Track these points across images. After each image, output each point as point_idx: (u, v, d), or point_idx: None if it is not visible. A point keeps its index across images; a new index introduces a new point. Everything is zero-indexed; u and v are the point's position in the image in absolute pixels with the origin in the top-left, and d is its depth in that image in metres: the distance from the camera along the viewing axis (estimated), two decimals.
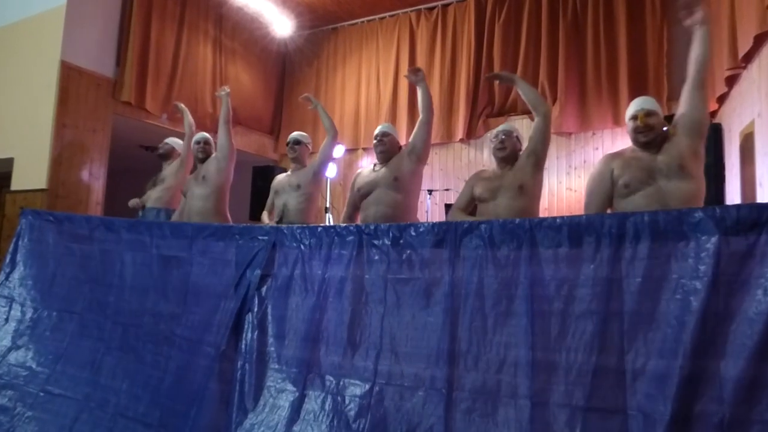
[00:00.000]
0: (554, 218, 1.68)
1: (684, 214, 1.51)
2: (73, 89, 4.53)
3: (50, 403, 2.35)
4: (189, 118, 3.71)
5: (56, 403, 2.34)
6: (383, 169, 2.70)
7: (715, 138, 3.27)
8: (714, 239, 1.44)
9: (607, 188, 2.09)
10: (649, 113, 2.08)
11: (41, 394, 2.39)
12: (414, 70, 2.76)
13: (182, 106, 3.85)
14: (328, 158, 3.15)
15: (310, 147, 3.29)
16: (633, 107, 2.15)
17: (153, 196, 3.63)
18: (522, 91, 2.50)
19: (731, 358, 1.37)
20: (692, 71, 2.04)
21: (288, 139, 3.24)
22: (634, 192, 2.01)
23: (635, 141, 2.11)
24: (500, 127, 2.55)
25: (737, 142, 3.36)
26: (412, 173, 2.68)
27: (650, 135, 2.05)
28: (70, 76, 4.50)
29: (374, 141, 2.76)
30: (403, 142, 6.43)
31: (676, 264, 1.49)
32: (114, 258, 2.55)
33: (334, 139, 3.14)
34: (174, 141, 3.85)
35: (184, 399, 2.09)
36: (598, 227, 1.60)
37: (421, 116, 2.71)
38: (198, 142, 3.40)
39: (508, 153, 2.45)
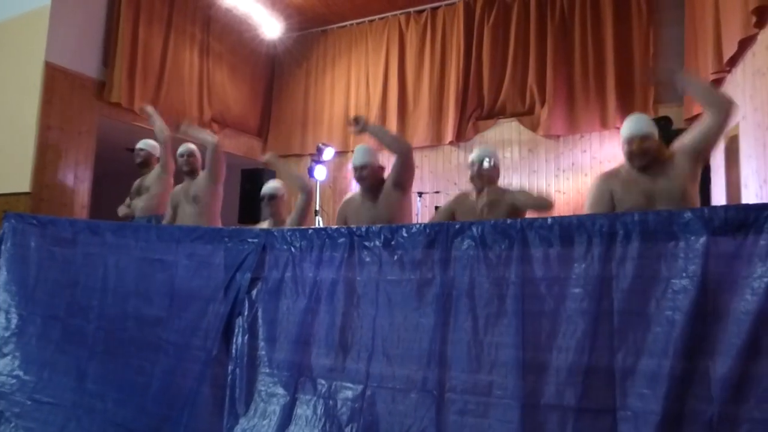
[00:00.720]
0: (545, 218, 1.68)
1: (673, 214, 1.53)
2: (58, 90, 4.46)
3: (38, 411, 2.31)
4: (158, 123, 3.52)
5: (44, 411, 2.30)
6: (374, 209, 2.55)
7: None
8: (703, 239, 1.45)
9: (609, 210, 2.07)
10: (644, 138, 2.03)
11: (29, 402, 2.36)
12: (353, 122, 2.56)
13: (150, 109, 3.64)
14: (304, 217, 2.95)
15: (285, 197, 3.11)
16: (627, 130, 2.08)
17: (139, 206, 3.54)
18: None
19: (720, 357, 1.38)
20: (713, 117, 1.92)
21: (262, 194, 3.01)
22: None
23: (630, 164, 2.09)
24: (476, 155, 2.49)
25: (722, 145, 3.41)
26: (402, 205, 2.56)
27: (645, 159, 2.04)
28: (54, 77, 4.43)
29: (354, 175, 2.59)
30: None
31: (665, 264, 1.50)
32: (98, 262, 2.51)
33: (310, 198, 2.99)
34: (148, 144, 3.64)
35: (174, 404, 2.06)
36: (589, 227, 1.60)
37: (394, 159, 2.52)
38: (182, 155, 3.28)
39: (484, 183, 2.44)
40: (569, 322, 1.57)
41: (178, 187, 3.36)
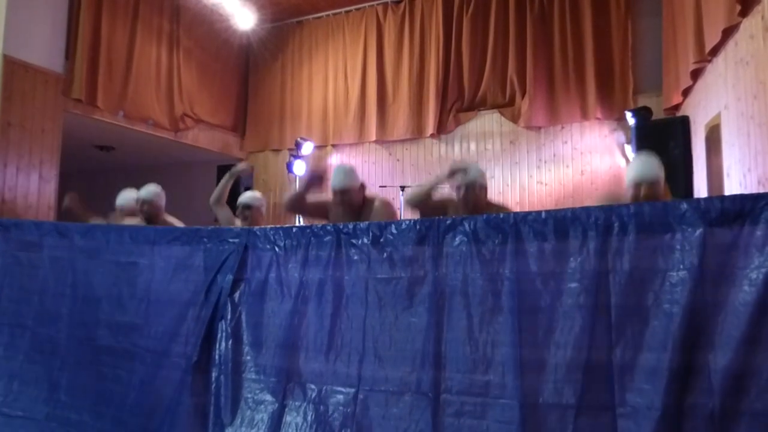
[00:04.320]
0: (539, 212, 1.65)
1: (669, 206, 1.50)
2: (19, 86, 4.21)
3: (8, 426, 2.21)
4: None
5: (15, 425, 2.20)
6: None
7: (683, 130, 3.35)
8: (699, 231, 1.43)
9: None
10: (653, 183, 1.99)
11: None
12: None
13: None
14: None
15: (263, 209, 2.96)
16: (634, 172, 2.03)
17: None
18: None
19: (719, 349, 1.36)
20: None
21: (237, 203, 2.85)
22: None
23: None
24: (464, 178, 2.37)
25: (702, 134, 3.44)
26: None
27: None
28: (14, 72, 4.17)
29: (335, 199, 2.47)
30: (372, 138, 6.29)
31: (662, 256, 1.47)
32: (68, 266, 2.39)
33: None
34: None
35: (154, 415, 1.98)
36: (584, 220, 1.57)
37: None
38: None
39: (471, 208, 2.35)
40: (566, 318, 1.53)
41: None
